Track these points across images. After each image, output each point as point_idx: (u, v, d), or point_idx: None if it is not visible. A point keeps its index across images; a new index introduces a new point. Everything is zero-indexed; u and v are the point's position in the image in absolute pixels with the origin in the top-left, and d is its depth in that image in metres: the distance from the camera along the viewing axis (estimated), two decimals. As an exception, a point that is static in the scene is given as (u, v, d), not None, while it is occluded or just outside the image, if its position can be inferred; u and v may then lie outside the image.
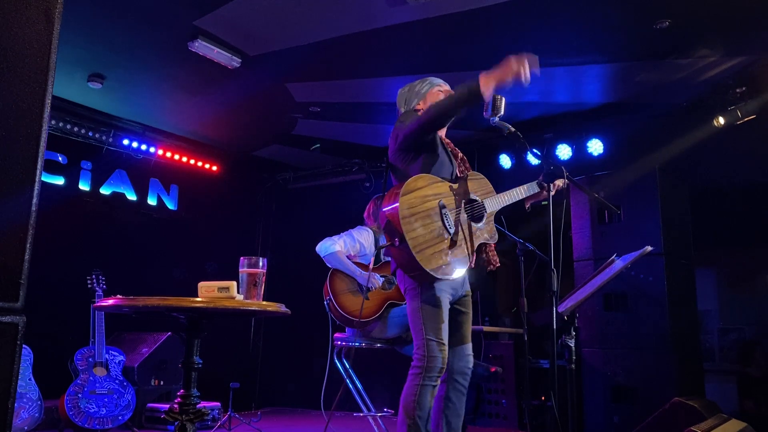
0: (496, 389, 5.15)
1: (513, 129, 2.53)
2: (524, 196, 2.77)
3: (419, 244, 2.29)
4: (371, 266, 2.88)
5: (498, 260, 2.61)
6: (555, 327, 2.41)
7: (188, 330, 2.03)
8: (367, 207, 4.06)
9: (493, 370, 3.42)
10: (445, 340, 2.39)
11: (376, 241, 3.85)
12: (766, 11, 3.54)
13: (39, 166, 1.13)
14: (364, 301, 3.26)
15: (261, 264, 2.09)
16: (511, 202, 2.71)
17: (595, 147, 5.10)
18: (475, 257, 2.50)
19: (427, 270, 2.28)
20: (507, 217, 3.29)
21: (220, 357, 5.39)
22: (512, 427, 4.99)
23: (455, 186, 2.53)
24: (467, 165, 2.74)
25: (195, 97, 5.03)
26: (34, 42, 1.14)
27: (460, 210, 2.49)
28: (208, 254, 5.99)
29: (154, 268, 5.66)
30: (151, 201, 5.96)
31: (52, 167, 5.17)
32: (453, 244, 2.40)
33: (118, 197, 5.69)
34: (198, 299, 1.89)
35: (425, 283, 2.41)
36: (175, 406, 1.97)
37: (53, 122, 5.08)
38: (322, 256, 3.78)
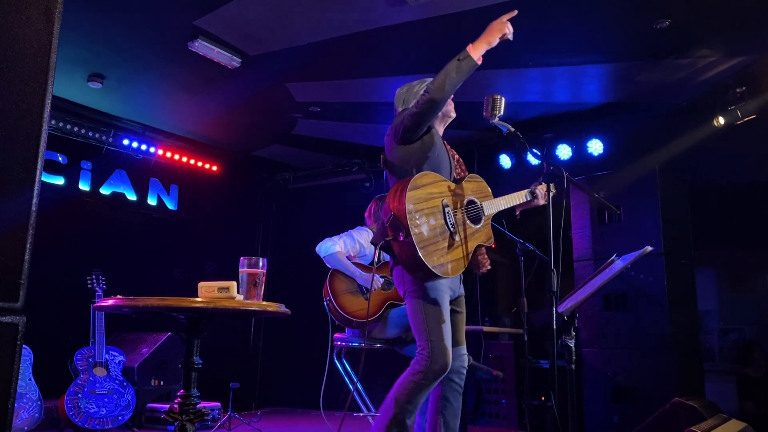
0: (496, 389, 5.15)
1: (513, 129, 2.53)
2: (521, 202, 2.79)
3: (423, 240, 2.30)
4: (375, 267, 2.87)
5: (489, 263, 2.63)
6: (555, 327, 2.41)
7: (188, 330, 2.03)
8: (368, 207, 4.05)
9: (495, 373, 3.42)
10: (449, 342, 2.39)
11: (376, 241, 3.85)
12: (766, 11, 3.54)
13: (39, 166, 1.13)
14: (369, 303, 3.26)
15: (261, 264, 2.09)
16: (507, 207, 2.74)
17: (595, 147, 5.10)
18: (470, 259, 2.51)
19: (430, 267, 2.28)
20: (507, 216, 3.29)
21: (220, 357, 5.39)
22: (512, 427, 4.99)
23: (456, 187, 2.54)
24: (464, 167, 2.76)
25: (195, 97, 5.03)
26: (34, 42, 1.14)
27: (461, 211, 2.50)
28: (208, 254, 5.99)
29: (154, 268, 5.66)
30: (151, 201, 5.96)
31: (52, 167, 5.17)
32: (453, 243, 2.40)
33: (118, 197, 5.69)
34: (198, 299, 1.89)
35: (425, 283, 2.40)
36: (175, 406, 1.97)
37: (53, 122, 5.08)
38: (322, 256, 3.78)
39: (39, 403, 3.96)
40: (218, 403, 4.90)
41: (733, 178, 5.23)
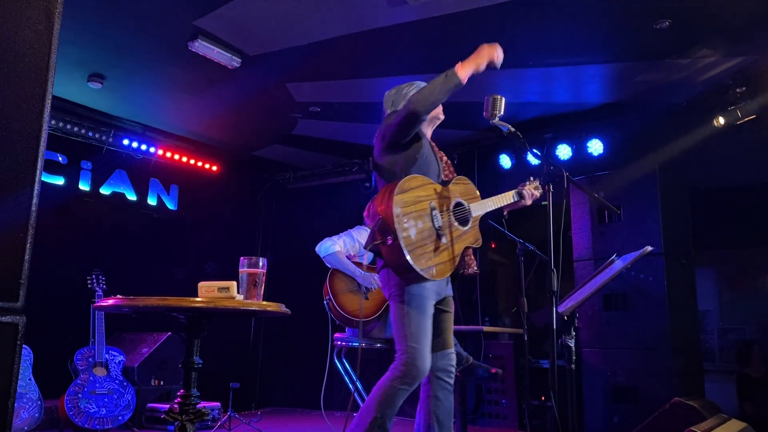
0: (496, 389, 5.16)
1: (513, 129, 2.54)
2: (509, 203, 2.80)
3: (411, 243, 2.32)
4: (377, 266, 2.88)
5: (476, 265, 2.65)
6: (555, 327, 2.41)
7: (188, 330, 2.03)
8: (367, 207, 4.05)
9: (493, 371, 3.42)
10: (428, 347, 2.41)
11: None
12: (766, 11, 3.54)
13: (39, 166, 1.13)
14: (361, 302, 3.26)
15: (261, 264, 2.09)
16: (496, 208, 2.74)
17: (595, 147, 5.10)
18: (458, 260, 2.52)
19: (418, 270, 2.30)
20: (502, 217, 3.29)
21: (220, 357, 5.39)
22: (512, 427, 4.99)
23: (443, 189, 2.56)
24: (451, 168, 2.77)
25: (195, 97, 5.03)
26: (34, 42, 1.15)
27: (448, 213, 2.51)
28: (208, 254, 5.99)
29: (154, 268, 5.66)
30: (151, 201, 5.96)
31: (52, 167, 5.17)
32: (440, 246, 2.43)
33: (118, 197, 5.69)
34: (198, 299, 1.89)
35: (411, 286, 2.42)
36: (175, 406, 1.97)
37: (53, 122, 5.08)
38: (321, 256, 3.78)
39: (39, 403, 3.96)
40: (218, 403, 4.90)
41: (733, 178, 5.22)
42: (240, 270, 2.08)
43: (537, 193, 2.88)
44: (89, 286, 4.46)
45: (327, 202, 6.71)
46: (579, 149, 5.19)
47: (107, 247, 5.35)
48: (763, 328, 5.52)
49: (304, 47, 4.12)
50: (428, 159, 2.60)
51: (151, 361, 4.76)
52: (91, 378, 4.20)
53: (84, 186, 5.42)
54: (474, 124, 5.22)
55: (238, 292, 1.99)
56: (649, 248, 2.78)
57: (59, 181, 5.24)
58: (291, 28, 3.90)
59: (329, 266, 3.75)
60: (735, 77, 4.36)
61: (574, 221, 4.66)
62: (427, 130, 2.77)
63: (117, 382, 4.30)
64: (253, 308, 1.97)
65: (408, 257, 2.28)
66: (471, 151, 5.65)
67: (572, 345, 2.61)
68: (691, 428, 2.96)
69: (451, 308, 2.66)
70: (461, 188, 2.64)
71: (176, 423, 1.96)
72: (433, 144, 2.76)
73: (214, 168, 6.41)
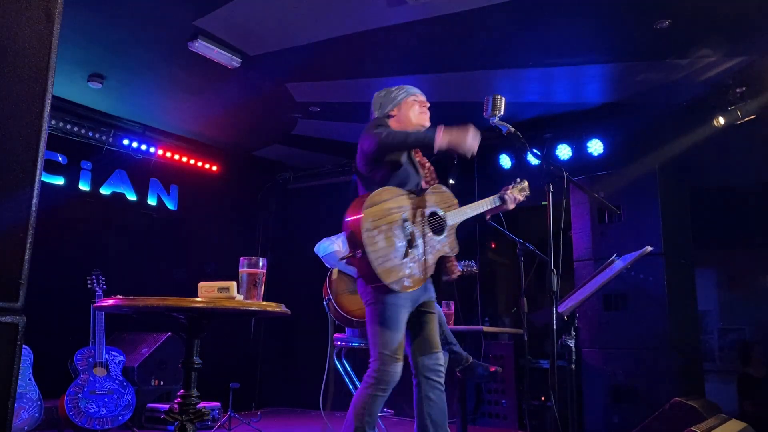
0: (496, 389, 5.16)
1: (513, 129, 2.54)
2: (487, 209, 2.79)
3: (380, 256, 2.33)
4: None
5: (458, 271, 2.65)
6: (555, 327, 2.41)
7: (188, 330, 2.02)
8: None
9: (492, 369, 3.42)
10: (400, 354, 2.45)
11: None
12: (766, 11, 3.54)
13: (39, 166, 1.13)
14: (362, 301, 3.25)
15: (261, 264, 2.09)
16: (474, 215, 2.73)
17: (595, 147, 5.10)
18: (434, 269, 2.53)
19: (386, 283, 2.33)
20: (507, 216, 3.29)
21: (220, 357, 5.39)
22: (512, 427, 4.99)
23: (418, 199, 2.55)
24: (434, 175, 2.77)
25: (195, 97, 5.03)
26: (34, 42, 1.15)
27: (422, 223, 2.52)
28: (208, 254, 5.99)
29: (154, 268, 5.66)
30: (151, 201, 5.96)
31: (52, 167, 5.17)
32: (413, 257, 2.43)
33: (118, 197, 5.69)
34: (198, 299, 1.89)
35: (384, 295, 2.44)
36: (175, 406, 1.97)
37: (53, 122, 5.08)
38: (320, 256, 3.78)
39: (39, 403, 3.96)
40: (218, 403, 4.90)
41: (733, 178, 5.22)
42: (240, 270, 2.08)
43: (521, 197, 2.87)
44: (89, 286, 4.46)
45: (327, 202, 6.70)
46: (579, 149, 5.19)
47: (107, 247, 5.35)
48: (763, 328, 5.52)
49: (304, 47, 4.12)
50: (407, 170, 2.59)
51: (151, 361, 4.76)
52: (91, 378, 4.20)
53: (84, 186, 5.42)
54: (474, 124, 5.21)
55: (238, 292, 1.99)
56: (649, 248, 2.78)
57: (59, 181, 5.24)
58: (291, 28, 3.90)
59: (328, 266, 3.74)
60: (735, 77, 4.36)
61: (574, 221, 4.66)
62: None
63: (117, 382, 4.30)
64: (253, 308, 1.97)
65: (376, 271, 2.31)
66: (471, 151, 5.64)
67: (572, 345, 2.61)
68: (691, 428, 2.96)
69: (434, 309, 2.66)
70: (436, 198, 2.62)
71: (176, 423, 1.96)
72: (417, 150, 2.74)
73: (214, 168, 6.41)
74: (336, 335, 3.76)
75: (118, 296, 1.93)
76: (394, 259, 2.37)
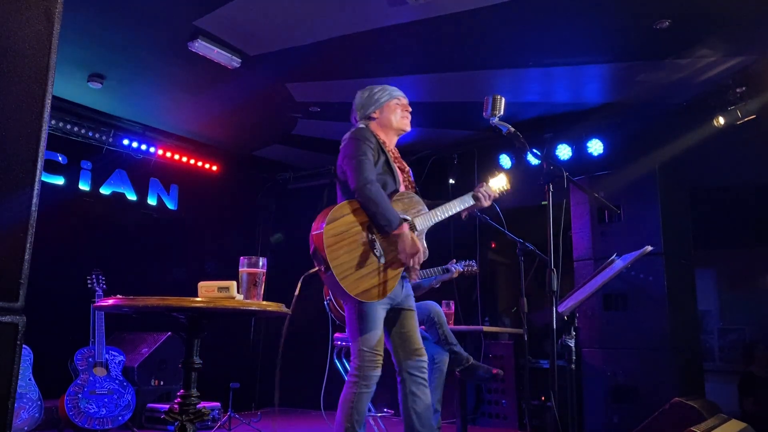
0: (496, 389, 5.16)
1: (513, 129, 2.53)
2: (458, 210, 2.78)
3: (344, 270, 2.34)
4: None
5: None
6: (555, 327, 2.41)
7: (188, 330, 2.02)
8: None
9: (494, 372, 3.42)
10: (380, 350, 2.48)
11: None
12: (766, 11, 3.54)
13: (39, 166, 1.13)
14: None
15: (261, 264, 2.09)
16: (444, 218, 2.72)
17: (595, 147, 5.10)
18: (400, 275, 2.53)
19: (353, 296, 2.35)
20: (507, 216, 3.29)
21: (220, 357, 5.38)
22: (512, 427, 4.99)
23: None
24: (411, 180, 2.76)
25: (195, 97, 5.03)
26: (34, 42, 1.15)
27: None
28: (208, 254, 5.98)
29: (154, 268, 5.66)
30: (151, 201, 5.96)
31: (52, 167, 5.17)
32: (378, 267, 2.44)
33: (118, 197, 5.69)
34: (198, 299, 1.89)
35: (360, 302, 2.46)
36: (175, 406, 1.97)
37: (53, 122, 5.08)
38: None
39: (39, 403, 3.96)
40: (218, 403, 4.90)
41: (733, 178, 5.23)
42: (240, 270, 2.08)
43: (495, 193, 2.85)
44: (89, 286, 4.46)
45: (327, 202, 6.71)
46: (579, 149, 5.19)
47: (107, 247, 5.34)
48: (763, 328, 5.53)
49: (304, 47, 4.12)
50: (384, 176, 2.59)
51: (151, 361, 4.76)
52: (91, 378, 4.20)
53: (84, 186, 5.42)
54: (474, 124, 5.22)
55: (238, 292, 1.99)
56: (649, 248, 2.78)
57: (59, 181, 5.24)
58: (291, 28, 3.90)
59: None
60: (735, 77, 4.36)
61: (574, 221, 4.66)
62: (392, 140, 2.77)
63: (117, 382, 4.30)
64: (253, 308, 1.97)
65: (341, 285, 2.32)
66: (471, 151, 5.65)
67: (572, 345, 2.61)
68: (691, 428, 2.96)
69: (413, 306, 2.68)
70: (403, 204, 2.61)
71: (176, 423, 1.96)
72: (396, 154, 2.74)
73: (214, 168, 6.41)
74: (336, 335, 3.77)
75: (118, 296, 1.93)
76: (359, 271, 2.38)
